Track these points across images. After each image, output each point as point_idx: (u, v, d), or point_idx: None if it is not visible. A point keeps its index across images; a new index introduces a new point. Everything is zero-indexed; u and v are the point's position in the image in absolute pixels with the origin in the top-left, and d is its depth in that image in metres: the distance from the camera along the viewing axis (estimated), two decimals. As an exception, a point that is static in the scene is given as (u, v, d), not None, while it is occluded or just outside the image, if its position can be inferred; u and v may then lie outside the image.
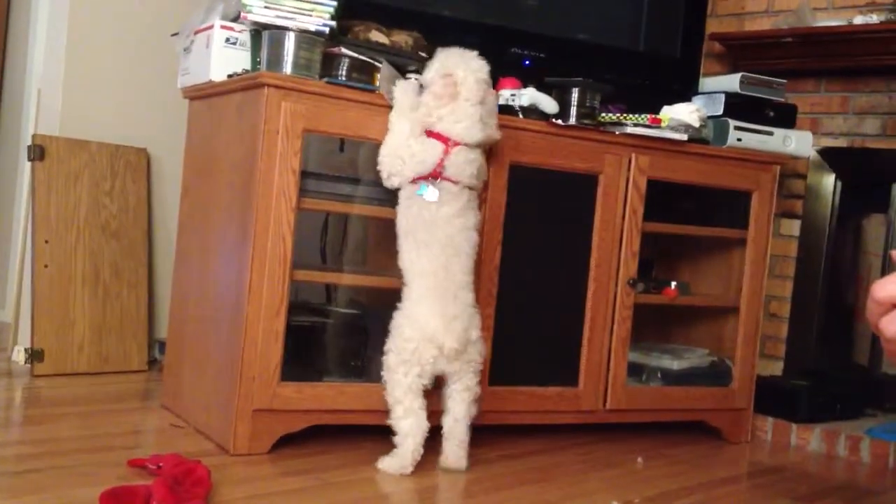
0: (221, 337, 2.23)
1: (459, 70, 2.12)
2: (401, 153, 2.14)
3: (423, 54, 2.36)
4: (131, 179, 2.98)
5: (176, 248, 2.60)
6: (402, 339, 2.06)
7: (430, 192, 2.10)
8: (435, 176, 2.11)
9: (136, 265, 2.97)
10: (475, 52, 2.16)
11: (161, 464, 1.86)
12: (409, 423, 2.06)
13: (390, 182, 2.17)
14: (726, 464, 2.62)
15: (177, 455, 1.91)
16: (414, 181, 2.12)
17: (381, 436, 2.33)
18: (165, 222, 3.06)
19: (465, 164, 2.12)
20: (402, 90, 2.19)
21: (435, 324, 2.04)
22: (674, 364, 2.79)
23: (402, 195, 2.16)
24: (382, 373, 2.10)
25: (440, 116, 2.11)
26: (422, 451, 2.08)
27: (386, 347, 2.10)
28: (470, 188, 2.15)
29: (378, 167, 2.18)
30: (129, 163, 2.98)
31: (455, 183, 2.11)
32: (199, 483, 1.78)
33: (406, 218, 2.13)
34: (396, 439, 2.08)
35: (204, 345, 2.34)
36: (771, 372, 3.22)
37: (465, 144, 2.12)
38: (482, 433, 2.31)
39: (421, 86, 2.25)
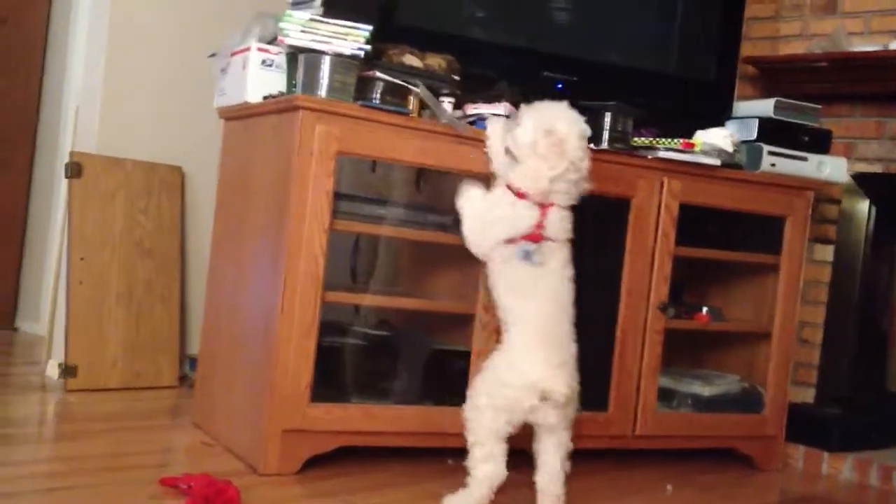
0: (252, 356, 2.24)
1: (561, 125, 2.03)
2: (483, 219, 2.10)
3: (457, 77, 2.38)
4: (166, 197, 3.01)
5: (209, 266, 2.62)
6: (500, 384, 1.96)
7: (537, 258, 2.03)
8: (536, 239, 2.04)
9: (170, 282, 2.99)
10: (565, 103, 2.09)
11: (192, 483, 1.87)
12: (487, 469, 1.96)
13: (480, 252, 2.12)
14: (757, 492, 2.59)
15: (207, 475, 1.92)
16: (508, 242, 2.05)
17: (410, 458, 2.33)
18: (199, 240, 3.08)
19: (560, 223, 2.07)
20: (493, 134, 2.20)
21: (540, 372, 1.94)
22: (705, 390, 2.76)
23: (495, 257, 2.09)
24: (466, 410, 2.00)
25: (552, 179, 2.02)
26: (492, 497, 1.98)
27: (476, 387, 2.01)
28: (566, 242, 2.10)
29: (466, 243, 2.15)
30: (164, 181, 3.01)
31: (554, 241, 2.06)
32: (229, 504, 1.79)
33: (507, 276, 2.06)
34: (470, 480, 1.98)
35: (235, 363, 2.35)
36: (803, 399, 3.18)
37: (559, 205, 2.07)
38: (510, 456, 2.30)
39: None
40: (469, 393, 2.02)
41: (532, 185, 2.03)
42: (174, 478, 1.92)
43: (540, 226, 2.04)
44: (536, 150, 2.02)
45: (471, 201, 2.16)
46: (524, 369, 1.95)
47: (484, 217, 2.10)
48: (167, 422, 2.59)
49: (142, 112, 3.03)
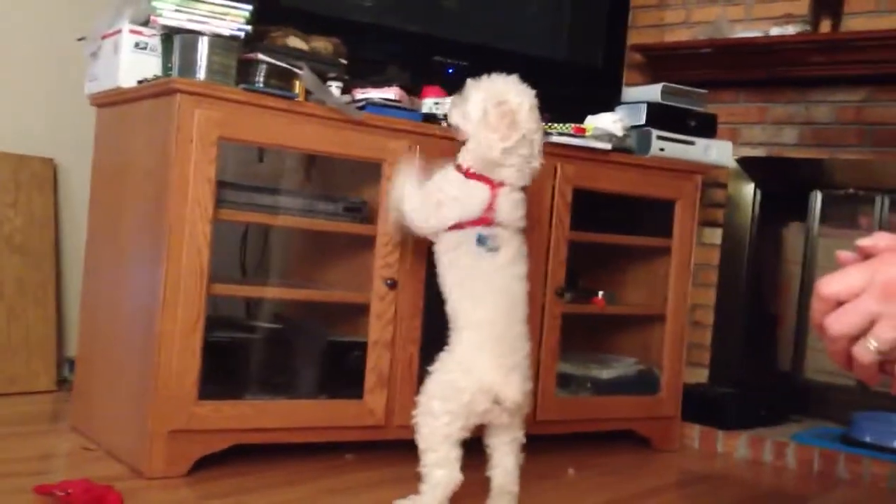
0: (134, 355, 2.12)
1: (511, 96, 1.93)
2: (433, 197, 1.98)
3: (344, 61, 2.31)
4: (37, 191, 2.84)
5: (84, 262, 2.47)
6: (454, 389, 1.86)
7: (492, 243, 1.92)
8: (487, 222, 1.93)
9: (44, 280, 2.82)
10: (514, 76, 1.97)
11: (70, 490, 1.75)
12: (441, 474, 1.86)
13: (426, 229, 2.02)
14: (656, 473, 2.60)
15: (87, 480, 1.80)
16: (453, 228, 1.95)
17: (307, 454, 2.25)
18: (75, 235, 2.91)
19: (513, 207, 1.96)
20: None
21: (493, 376, 1.85)
22: (602, 373, 2.77)
23: (442, 245, 1.98)
24: (416, 415, 1.89)
25: (504, 151, 1.91)
26: None
27: (428, 390, 1.89)
28: (520, 231, 2.00)
29: (409, 222, 2.06)
30: (34, 174, 2.84)
31: (505, 228, 1.95)
32: (111, 509, 1.68)
33: (455, 270, 1.96)
34: (424, 487, 1.87)
35: (116, 363, 2.22)
36: (697, 380, 3.23)
37: (512, 185, 1.96)
38: (407, 449, 2.25)
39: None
40: (419, 398, 1.90)
41: (484, 157, 1.92)
42: (50, 485, 1.79)
43: (490, 208, 1.93)
44: (487, 121, 1.91)
45: (408, 195, 2.06)
46: (477, 373, 1.86)
47: (430, 197, 1.99)
48: (45, 427, 2.43)
49: (7, 102, 2.85)
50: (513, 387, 1.86)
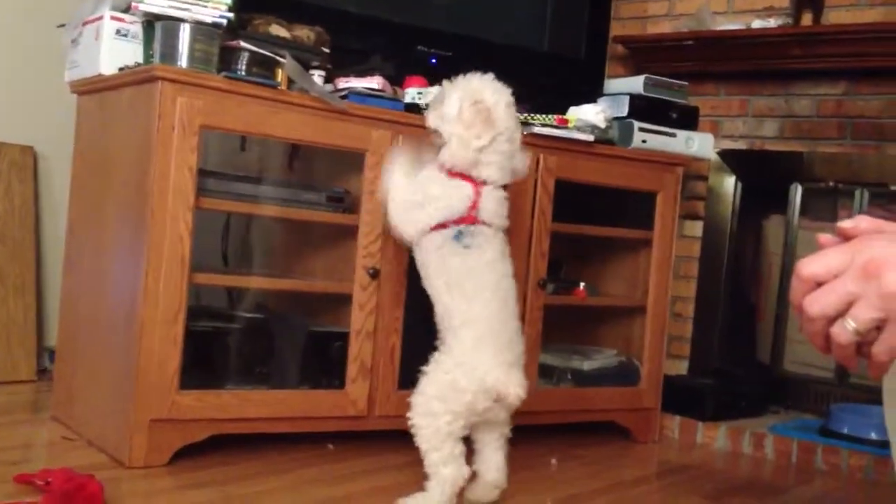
0: (115, 344, 2.11)
1: (487, 94, 1.93)
2: (415, 198, 1.98)
3: (327, 50, 2.30)
4: (16, 179, 2.81)
5: (65, 250, 2.46)
6: (455, 390, 1.85)
7: (468, 240, 1.92)
8: (470, 221, 1.93)
9: (23, 270, 2.80)
10: (490, 75, 1.98)
11: (50, 479, 1.74)
12: (449, 471, 1.85)
13: (409, 231, 2.00)
14: (637, 463, 2.62)
15: (68, 469, 1.79)
16: (437, 228, 1.94)
17: (288, 444, 2.25)
18: (55, 224, 2.90)
19: (497, 206, 1.96)
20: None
21: (496, 373, 1.85)
22: (584, 365, 2.78)
23: (426, 246, 1.97)
24: (413, 416, 1.87)
25: (479, 149, 1.92)
26: (455, 501, 1.87)
27: (425, 392, 1.88)
28: (502, 230, 2.00)
29: (394, 231, 2.06)
30: (13, 162, 2.81)
31: (489, 226, 1.96)
32: (92, 499, 1.68)
33: (445, 271, 1.94)
34: (430, 484, 1.86)
35: (97, 352, 2.21)
36: (677, 371, 3.25)
37: (494, 184, 1.96)
38: (389, 439, 2.25)
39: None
40: (416, 399, 1.89)
41: (459, 155, 1.92)
42: (30, 474, 1.78)
43: (474, 206, 1.93)
44: (461, 119, 1.91)
45: (395, 186, 2.05)
46: (479, 372, 1.85)
47: (413, 199, 1.99)
48: (25, 417, 2.42)
49: (-13, 89, 2.83)
50: (515, 383, 1.86)
